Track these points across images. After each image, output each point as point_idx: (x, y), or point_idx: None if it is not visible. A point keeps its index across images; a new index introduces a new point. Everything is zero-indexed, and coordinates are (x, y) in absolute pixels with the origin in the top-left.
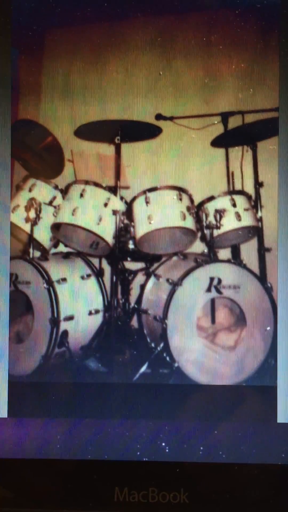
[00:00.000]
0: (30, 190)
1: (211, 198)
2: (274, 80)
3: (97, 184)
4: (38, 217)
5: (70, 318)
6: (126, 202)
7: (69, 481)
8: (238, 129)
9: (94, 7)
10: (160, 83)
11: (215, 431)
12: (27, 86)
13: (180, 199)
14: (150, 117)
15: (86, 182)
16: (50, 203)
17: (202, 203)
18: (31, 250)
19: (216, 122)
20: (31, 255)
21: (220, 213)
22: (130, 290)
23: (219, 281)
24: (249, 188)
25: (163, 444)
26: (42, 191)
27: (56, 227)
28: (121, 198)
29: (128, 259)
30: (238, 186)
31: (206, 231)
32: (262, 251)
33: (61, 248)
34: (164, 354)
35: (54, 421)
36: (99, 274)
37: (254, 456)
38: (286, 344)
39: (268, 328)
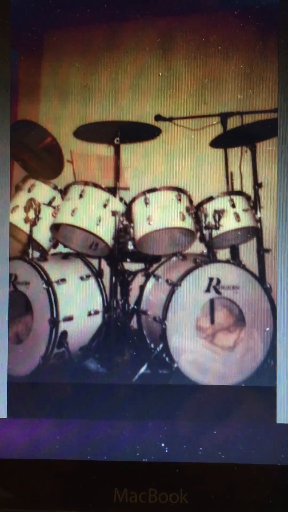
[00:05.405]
0: (29, 191)
1: (210, 199)
2: (273, 81)
3: (96, 185)
4: (37, 217)
5: (69, 318)
6: (125, 203)
7: (68, 482)
8: (237, 129)
9: (93, 8)
10: (159, 84)
11: (214, 431)
12: (26, 86)
13: (179, 200)
14: (150, 118)
15: (86, 183)
16: (49, 204)
17: (201, 204)
18: (30, 251)
19: (215, 122)
20: (30, 256)
21: (219, 213)
22: (129, 291)
23: (218, 281)
24: (248, 189)
25: (163, 444)
26: (42, 191)
27: (55, 228)
28: (121, 199)
29: (128, 260)
30: (237, 187)
31: (205, 232)
32: (261, 251)
33: (61, 248)
34: (164, 355)
35: (53, 422)
36: (98, 275)
37: (253, 457)
38: (285, 345)
39: (267, 328)
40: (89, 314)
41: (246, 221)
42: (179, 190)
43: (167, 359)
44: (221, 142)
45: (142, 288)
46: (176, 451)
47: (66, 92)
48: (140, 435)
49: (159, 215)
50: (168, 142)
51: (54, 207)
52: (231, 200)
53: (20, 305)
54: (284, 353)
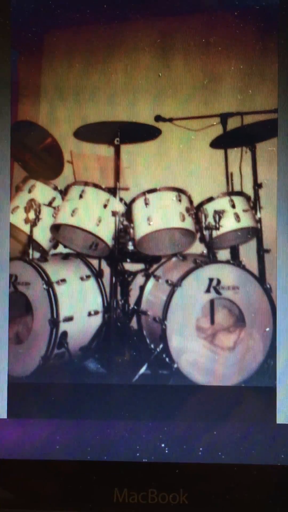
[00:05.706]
0: (29, 191)
1: (210, 199)
2: (273, 81)
3: (96, 185)
4: (37, 218)
5: (69, 319)
6: (125, 204)
7: (68, 482)
8: (237, 130)
9: (94, 8)
10: (159, 85)
11: (214, 432)
12: (27, 87)
13: (179, 200)
14: (150, 119)
15: (86, 183)
16: (50, 204)
17: (201, 204)
18: (30, 251)
19: (215, 123)
20: (30, 256)
21: (219, 214)
22: (129, 291)
23: (218, 282)
24: (248, 189)
25: (163, 445)
26: (42, 192)
27: (56, 228)
28: (121, 199)
29: (128, 260)
30: (237, 187)
31: (205, 232)
32: (261, 252)
33: (61, 249)
34: (164, 355)
35: (53, 422)
36: (98, 275)
37: (253, 457)
38: (285, 345)
39: (267, 329)
40: (89, 314)
41: (246, 221)
42: (179, 191)
43: (167, 359)
44: (221, 142)
45: (142, 288)
46: (176, 451)
47: (66, 93)
48: (140, 435)
49: (159, 216)
50: (168, 142)
51: (54, 208)
52: (231, 200)
53: (20, 306)
54: (284, 353)
